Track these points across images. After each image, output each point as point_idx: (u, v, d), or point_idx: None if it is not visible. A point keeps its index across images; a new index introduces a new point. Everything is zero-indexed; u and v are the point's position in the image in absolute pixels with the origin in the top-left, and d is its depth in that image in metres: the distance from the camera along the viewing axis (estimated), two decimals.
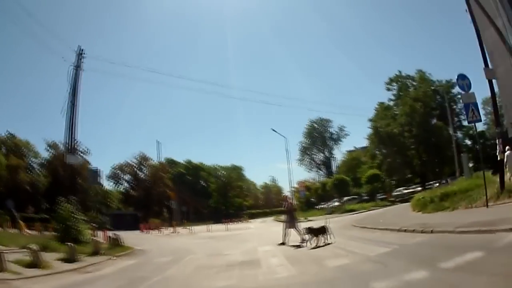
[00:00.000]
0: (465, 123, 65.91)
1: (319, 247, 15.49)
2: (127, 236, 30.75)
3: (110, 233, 25.55)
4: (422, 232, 14.46)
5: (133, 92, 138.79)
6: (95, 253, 18.89)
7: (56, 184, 30.03)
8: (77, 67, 30.79)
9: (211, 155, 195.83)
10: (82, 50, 31.51)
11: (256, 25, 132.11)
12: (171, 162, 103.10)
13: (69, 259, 16.12)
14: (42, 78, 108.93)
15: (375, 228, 20.02)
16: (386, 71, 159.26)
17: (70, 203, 23.25)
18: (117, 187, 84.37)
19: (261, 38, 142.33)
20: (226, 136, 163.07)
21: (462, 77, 19.46)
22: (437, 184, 48.28)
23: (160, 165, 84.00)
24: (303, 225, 19.20)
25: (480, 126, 70.95)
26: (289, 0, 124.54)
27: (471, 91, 19.23)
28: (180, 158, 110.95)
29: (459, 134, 66.71)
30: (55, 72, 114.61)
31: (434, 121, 65.51)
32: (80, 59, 31.10)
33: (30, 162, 75.61)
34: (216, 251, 19.32)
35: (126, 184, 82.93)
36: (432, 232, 13.85)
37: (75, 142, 30.84)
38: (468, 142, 68.99)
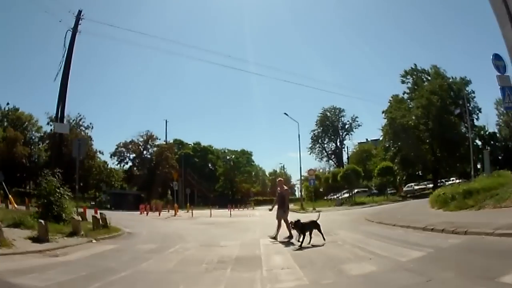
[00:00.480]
0: (477, 122, 65.47)
1: (306, 248, 12.63)
2: (122, 217, 28.93)
3: (99, 213, 23.02)
4: (453, 232, 12.72)
5: (143, 67, 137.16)
6: (74, 233, 16.80)
7: (56, 158, 27.80)
8: (74, 31, 28.93)
9: (222, 138, 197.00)
10: (81, 12, 29.55)
11: (274, 7, 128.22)
12: (179, 143, 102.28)
13: (39, 239, 14.28)
14: (46, 47, 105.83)
15: (394, 225, 17.97)
16: (401, 62, 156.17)
17: (56, 176, 20.76)
18: (122, 166, 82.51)
19: (278, 18, 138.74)
20: (238, 120, 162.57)
21: (497, 57, 17.48)
22: (458, 181, 45.89)
23: (167, 145, 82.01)
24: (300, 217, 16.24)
25: (491, 128, 69.46)
26: None
27: (506, 73, 17.00)
28: (189, 140, 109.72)
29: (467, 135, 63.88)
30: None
31: (450, 116, 63.04)
32: (78, 22, 29.19)
33: (31, 136, 74.22)
34: (212, 241, 16.69)
35: (130, 163, 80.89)
36: (466, 233, 12.11)
37: (65, 112, 28.75)
38: (479, 142, 67.92)
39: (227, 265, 10.14)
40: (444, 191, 24.80)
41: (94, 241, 16.27)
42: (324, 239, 13.42)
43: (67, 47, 28.40)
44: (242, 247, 13.81)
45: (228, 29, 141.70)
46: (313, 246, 12.75)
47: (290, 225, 14.34)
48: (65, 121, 68.09)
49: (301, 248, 12.46)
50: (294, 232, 14.37)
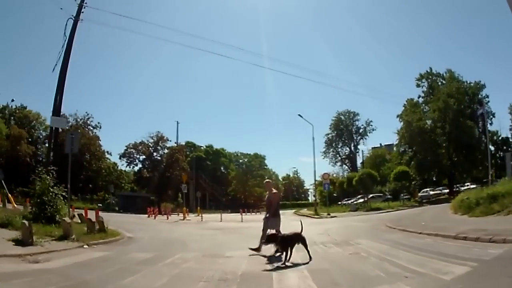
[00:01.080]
0: (491, 127, 64.69)
1: (288, 267, 10.31)
2: (128, 220, 27.84)
3: (95, 216, 21.58)
4: (490, 241, 11.59)
5: (156, 66, 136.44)
6: (64, 237, 15.50)
7: (62, 158, 26.55)
8: (76, 19, 27.63)
9: (234, 141, 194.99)
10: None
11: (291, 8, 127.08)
12: (191, 146, 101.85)
13: (23, 242, 13.24)
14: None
15: (420, 233, 16.31)
16: (416, 66, 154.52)
17: (50, 174, 19.42)
18: (132, 167, 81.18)
19: (294, 18, 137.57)
20: (251, 123, 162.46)
21: None
22: (473, 186, 44.56)
23: (178, 147, 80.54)
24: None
25: (504, 133, 68.58)
26: None
27: None
28: (202, 142, 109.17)
29: (483, 139, 63.94)
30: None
31: (466, 120, 62.02)
32: (81, 10, 27.88)
33: (39, 134, 73.99)
34: (217, 250, 15.00)
35: (140, 165, 79.13)
36: (505, 241, 11.09)
37: (61, 103, 27.27)
38: (492, 147, 65.31)
39: (229, 284, 8.31)
40: (467, 196, 23.77)
41: (85, 246, 14.97)
42: (310, 257, 10.91)
43: (67, 36, 27.17)
44: (251, 260, 11.87)
45: (243, 28, 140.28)
46: (294, 264, 10.39)
47: (266, 240, 11.49)
48: (70, 118, 67.97)
49: (286, 267, 10.21)
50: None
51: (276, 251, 11.75)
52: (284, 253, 10.64)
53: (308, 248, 11.11)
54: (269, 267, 10.49)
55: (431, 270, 8.41)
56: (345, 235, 18.70)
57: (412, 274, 8.20)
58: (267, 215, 13.69)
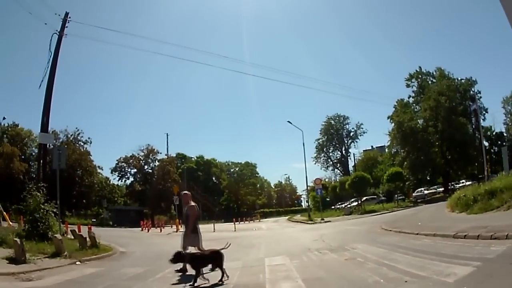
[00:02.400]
0: (484, 123, 65.51)
1: (321, 270, 10.20)
2: (121, 234, 27.66)
3: (87, 231, 21.30)
4: (492, 238, 11.26)
5: (143, 80, 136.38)
6: (57, 254, 15.48)
7: (53, 174, 26.32)
8: (61, 34, 27.90)
9: (225, 151, 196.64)
10: (68, 14, 28.69)
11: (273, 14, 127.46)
12: (181, 157, 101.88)
13: (16, 260, 13.28)
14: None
15: (418, 234, 15.98)
16: (405, 66, 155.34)
17: (40, 191, 19.29)
18: (124, 181, 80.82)
19: (277, 25, 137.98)
20: (241, 132, 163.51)
21: None
22: (469, 183, 44.58)
23: (169, 159, 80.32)
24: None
25: (498, 127, 68.73)
26: None
27: None
28: (192, 153, 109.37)
29: (477, 135, 64.39)
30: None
31: (459, 117, 62.17)
32: (65, 25, 28.17)
33: (32, 152, 74.42)
34: None
35: (131, 178, 78.94)
36: (507, 237, 10.75)
37: (49, 119, 27.11)
38: (486, 143, 66.30)
39: None
40: (464, 193, 23.61)
41: (78, 262, 14.93)
42: (223, 278, 9.77)
43: (52, 52, 27.34)
44: (243, 271, 11.56)
45: (228, 38, 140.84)
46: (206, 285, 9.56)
47: (173, 258, 9.95)
48: (60, 134, 67.92)
49: None
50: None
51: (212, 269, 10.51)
52: (195, 272, 9.69)
53: (224, 268, 9.88)
54: (265, 277, 10.19)
55: (432, 272, 8.08)
56: (340, 240, 18.36)
57: (412, 278, 7.87)
58: (188, 231, 12.50)
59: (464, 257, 9.17)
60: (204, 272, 9.87)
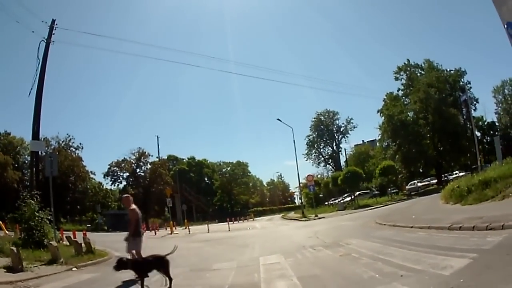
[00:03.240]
0: (475, 113, 66.02)
1: (315, 267, 10.24)
2: (116, 239, 27.21)
3: (82, 237, 21.23)
4: (488, 228, 11.21)
5: (134, 85, 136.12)
6: (53, 261, 15.44)
7: (46, 181, 26.25)
8: (48, 41, 27.98)
9: (216, 151, 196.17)
10: (54, 21, 28.86)
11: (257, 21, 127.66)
12: (173, 159, 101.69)
13: (13, 268, 13.31)
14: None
15: (412, 227, 15.90)
16: (393, 60, 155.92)
17: (34, 199, 19.37)
18: (116, 185, 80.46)
19: (263, 24, 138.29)
20: (231, 132, 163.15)
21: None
22: (462, 174, 44.86)
23: (160, 162, 79.93)
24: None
25: (489, 117, 69.09)
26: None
27: None
28: (183, 155, 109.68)
29: (468, 125, 64.29)
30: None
31: (449, 108, 62.78)
32: (52, 32, 28.31)
33: (24, 160, 74.42)
34: (204, 263, 14.61)
35: (124, 182, 78.35)
36: (503, 227, 10.69)
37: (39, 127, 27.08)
38: (478, 133, 67.23)
39: None
40: (458, 184, 23.45)
41: (74, 269, 14.93)
42: (168, 283, 9.62)
43: (41, 59, 27.40)
44: (238, 271, 11.53)
45: (214, 38, 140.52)
46: None
47: (116, 265, 9.63)
48: (52, 141, 67.80)
49: None
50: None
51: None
52: (141, 280, 9.50)
53: (170, 274, 9.62)
54: (260, 276, 10.06)
55: (428, 266, 7.99)
56: (334, 236, 18.22)
57: (408, 272, 7.78)
58: (130, 237, 12.32)
59: (460, 249, 9.09)
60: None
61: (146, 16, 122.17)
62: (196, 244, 25.46)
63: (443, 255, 8.74)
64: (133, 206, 12.67)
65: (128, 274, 12.68)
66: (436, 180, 63.27)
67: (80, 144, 77.91)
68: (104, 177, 77.54)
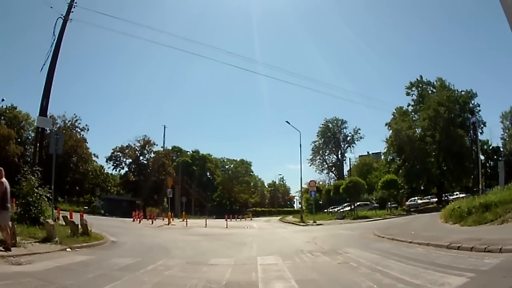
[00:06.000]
0: (482, 137, 65.16)
1: (315, 273, 10.11)
2: (112, 224, 27.53)
3: (79, 219, 21.07)
4: (486, 250, 11.10)
5: (146, 70, 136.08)
6: (48, 239, 15.32)
7: (48, 159, 26.19)
8: (66, 19, 27.68)
9: (221, 147, 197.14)
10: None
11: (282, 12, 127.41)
12: (177, 150, 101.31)
13: (5, 242, 12.70)
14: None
15: (411, 242, 15.78)
16: (407, 74, 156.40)
17: (35, 175, 19.35)
18: (118, 171, 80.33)
19: (286, 25, 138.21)
20: (238, 129, 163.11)
21: None
22: (463, 195, 44.64)
23: (164, 152, 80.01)
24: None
25: (495, 142, 68.93)
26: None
27: None
28: (188, 147, 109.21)
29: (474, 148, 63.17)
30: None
31: (457, 129, 62.45)
32: (71, 10, 28.00)
33: (28, 135, 74.53)
34: (201, 257, 14.46)
35: (126, 168, 78.22)
36: (501, 251, 10.63)
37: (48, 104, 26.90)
38: (482, 157, 66.22)
39: None
40: (459, 205, 23.33)
41: (68, 249, 14.76)
42: None
43: (56, 36, 27.13)
44: (235, 268, 11.38)
45: (235, 34, 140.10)
46: None
47: None
48: (58, 120, 67.86)
49: None
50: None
51: None
52: None
53: None
54: (257, 275, 10.00)
55: (426, 281, 7.95)
56: (332, 243, 18.24)
57: (406, 286, 7.74)
58: None
59: (458, 268, 9.05)
60: None
61: (173, 7, 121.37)
62: (194, 237, 25.28)
63: (442, 272, 8.70)
64: (3, 179, 12.62)
65: (125, 260, 12.70)
66: (436, 199, 63.08)
67: (86, 125, 78.07)
68: (106, 161, 77.50)
